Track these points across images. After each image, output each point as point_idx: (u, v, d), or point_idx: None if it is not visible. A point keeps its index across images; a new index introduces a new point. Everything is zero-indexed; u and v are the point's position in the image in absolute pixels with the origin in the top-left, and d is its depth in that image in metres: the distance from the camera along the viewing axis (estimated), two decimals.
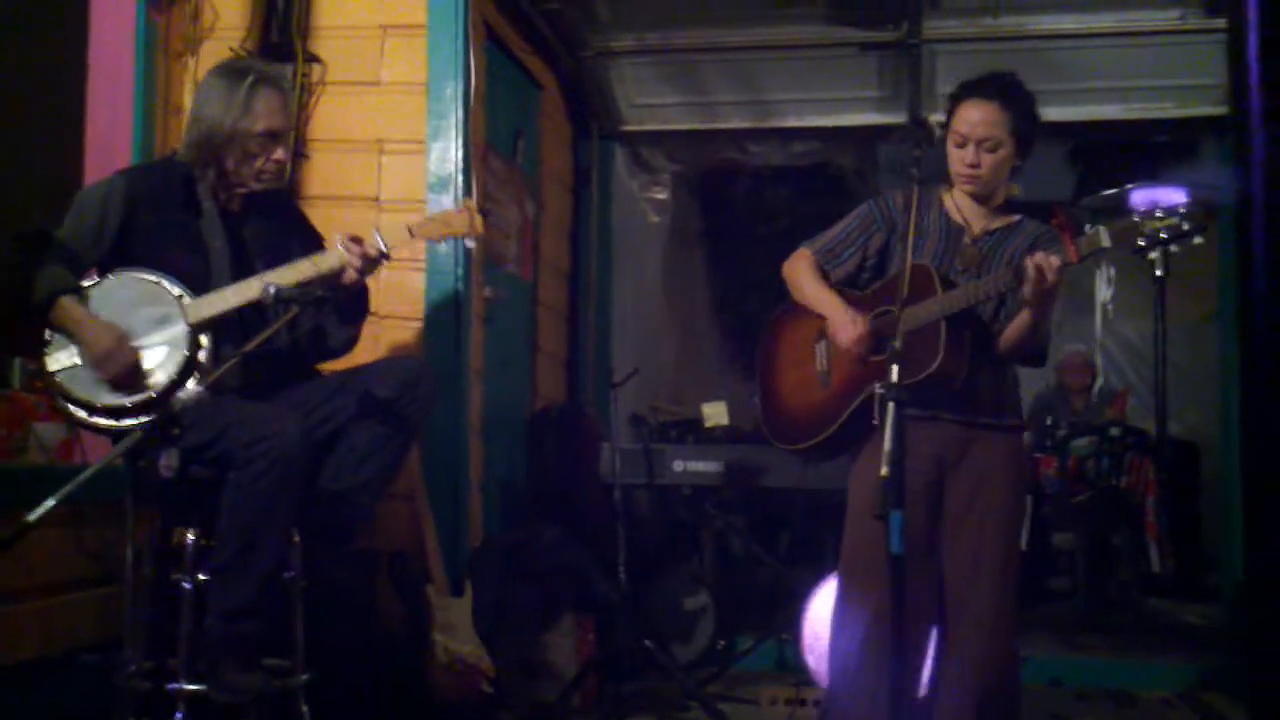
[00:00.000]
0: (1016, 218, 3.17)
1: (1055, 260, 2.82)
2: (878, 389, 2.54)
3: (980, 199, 3.12)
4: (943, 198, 3.19)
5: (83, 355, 3.06)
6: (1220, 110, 5.49)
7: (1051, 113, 5.75)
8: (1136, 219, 2.80)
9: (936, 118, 5.50)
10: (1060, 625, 6.02)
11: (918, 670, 3.03)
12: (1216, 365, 5.77)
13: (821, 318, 3.20)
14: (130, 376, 3.04)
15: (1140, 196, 6.67)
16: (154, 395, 3.03)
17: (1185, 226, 2.78)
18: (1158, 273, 5.29)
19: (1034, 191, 9.27)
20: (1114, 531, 6.42)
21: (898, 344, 2.52)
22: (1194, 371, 7.47)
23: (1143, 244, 2.79)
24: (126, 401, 3.02)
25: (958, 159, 3.08)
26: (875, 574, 2.85)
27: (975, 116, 3.03)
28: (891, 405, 2.42)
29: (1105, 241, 2.83)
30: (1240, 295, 5.10)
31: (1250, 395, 4.78)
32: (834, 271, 3.23)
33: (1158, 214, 2.79)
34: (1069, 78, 5.63)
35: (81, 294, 3.11)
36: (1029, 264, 2.83)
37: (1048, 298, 2.87)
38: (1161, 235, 2.78)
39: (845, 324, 3.09)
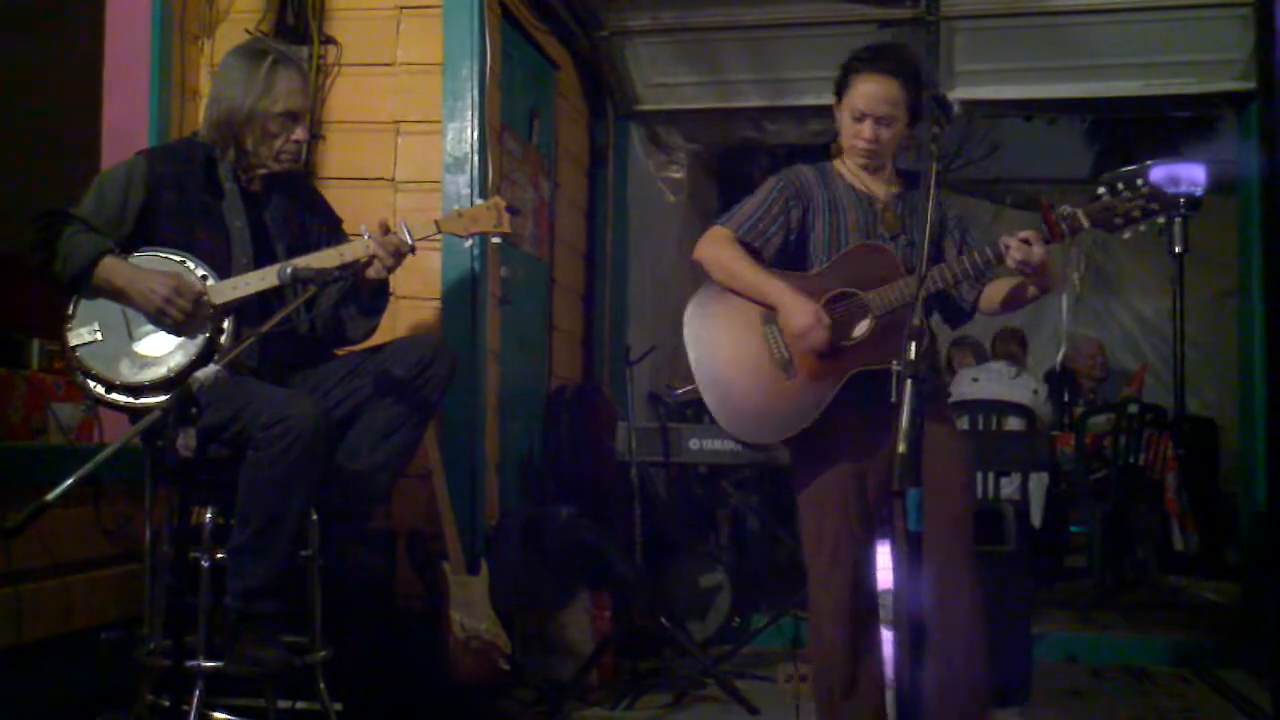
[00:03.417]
0: (908, 181, 3.21)
1: (1039, 245, 2.86)
2: (894, 367, 2.48)
3: (873, 169, 3.15)
4: (840, 171, 3.18)
5: (106, 329, 3.08)
6: (1241, 85, 5.45)
7: (1070, 89, 5.83)
8: (1109, 200, 2.88)
9: (955, 95, 5.53)
10: (1077, 602, 6.01)
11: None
12: (1235, 341, 5.75)
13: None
14: (193, 319, 3.07)
15: (1160, 173, 6.63)
16: (172, 375, 3.05)
17: (1154, 205, 2.86)
18: (1176, 249, 5.29)
19: (1053, 169, 9.28)
20: (1132, 509, 6.41)
21: (917, 321, 2.47)
22: (1212, 348, 7.45)
23: (1119, 222, 2.88)
24: (146, 379, 3.05)
25: (854, 133, 3.08)
26: (846, 561, 3.01)
27: (876, 92, 3.03)
28: (910, 383, 2.38)
29: (1085, 223, 2.89)
30: (1267, 268, 5.11)
31: (1276, 368, 4.79)
32: (763, 250, 3.12)
33: (1125, 194, 2.86)
34: (1088, 53, 5.60)
35: (122, 256, 3.13)
36: (1011, 244, 2.87)
37: (1043, 273, 2.93)
38: (1134, 214, 2.86)
39: (807, 326, 2.97)
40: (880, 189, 3.15)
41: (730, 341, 3.12)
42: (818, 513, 3.09)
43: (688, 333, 3.17)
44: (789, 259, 3.15)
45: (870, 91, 3.03)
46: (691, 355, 3.16)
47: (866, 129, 3.05)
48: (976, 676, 3.00)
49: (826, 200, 3.11)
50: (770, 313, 3.07)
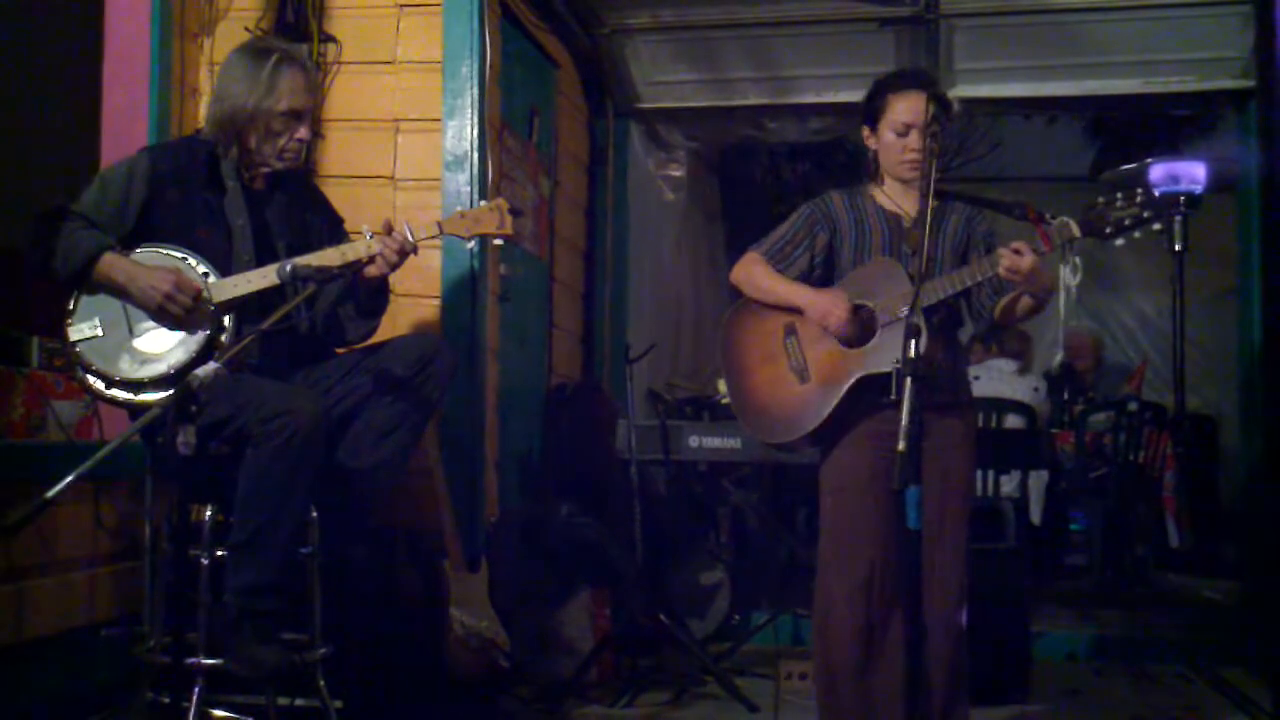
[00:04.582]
0: (943, 198, 3.29)
1: (1029, 256, 2.93)
2: (894, 365, 2.60)
3: (910, 184, 3.23)
4: (873, 193, 3.31)
5: (106, 325, 3.09)
6: (1241, 83, 5.45)
7: (1070, 87, 5.83)
8: (1103, 209, 2.95)
9: (955, 93, 5.53)
10: (1077, 600, 6.01)
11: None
12: (1234, 339, 5.75)
13: (788, 313, 3.27)
14: (193, 316, 3.08)
15: (1159, 171, 6.65)
16: (172, 371, 3.05)
17: (1146, 214, 2.92)
18: (1176, 247, 5.27)
19: (1053, 166, 9.25)
20: (1131, 506, 6.41)
21: (918, 321, 2.58)
22: (1212, 345, 7.45)
23: (1109, 231, 2.94)
24: (146, 375, 3.05)
25: (900, 147, 3.19)
26: (860, 548, 3.14)
27: (919, 105, 3.12)
28: (909, 381, 2.52)
29: (1077, 232, 2.97)
30: (1267, 266, 5.11)
31: (1275, 366, 4.78)
32: (787, 271, 3.32)
33: (1120, 203, 2.93)
34: (1088, 51, 5.60)
35: (123, 252, 3.13)
36: (1002, 253, 2.95)
37: (1032, 281, 2.98)
38: (1126, 223, 2.93)
39: (827, 308, 3.17)
40: (912, 207, 3.23)
41: (752, 352, 3.35)
42: (835, 500, 3.26)
43: (720, 346, 3.44)
44: (818, 280, 3.33)
45: (914, 105, 3.14)
46: (721, 363, 3.45)
47: (914, 140, 3.16)
48: (957, 660, 3.16)
49: (854, 222, 3.27)
50: (790, 326, 3.26)
